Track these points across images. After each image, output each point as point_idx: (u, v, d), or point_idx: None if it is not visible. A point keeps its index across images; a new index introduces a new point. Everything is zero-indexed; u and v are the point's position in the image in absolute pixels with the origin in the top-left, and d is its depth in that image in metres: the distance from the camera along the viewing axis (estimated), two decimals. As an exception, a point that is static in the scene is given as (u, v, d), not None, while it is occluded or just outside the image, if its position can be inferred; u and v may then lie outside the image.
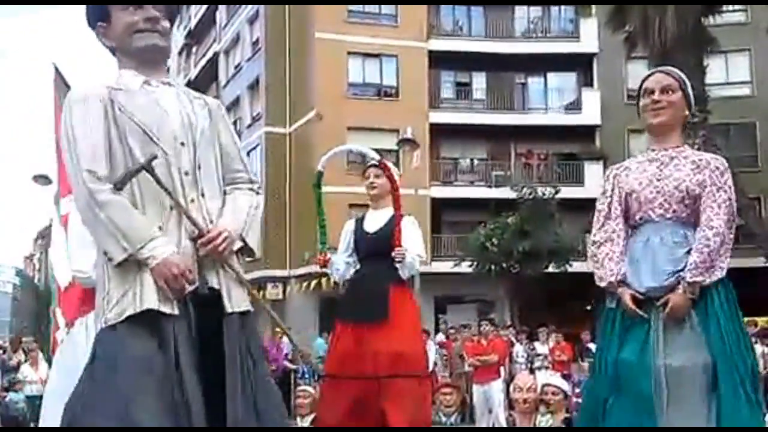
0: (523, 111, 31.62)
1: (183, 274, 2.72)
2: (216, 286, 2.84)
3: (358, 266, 5.38)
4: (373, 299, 5.13)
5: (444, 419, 7.69)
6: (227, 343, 2.78)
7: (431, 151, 29.74)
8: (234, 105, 36.13)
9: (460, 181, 31.31)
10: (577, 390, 11.49)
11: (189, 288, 2.76)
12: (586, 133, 30.88)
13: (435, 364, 14.02)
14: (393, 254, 5.08)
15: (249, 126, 33.94)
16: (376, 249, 5.20)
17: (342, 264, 5.42)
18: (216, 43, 38.96)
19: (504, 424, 11.08)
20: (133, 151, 2.80)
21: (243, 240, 2.95)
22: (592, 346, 17.73)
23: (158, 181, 2.77)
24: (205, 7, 39.39)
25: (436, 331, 21.39)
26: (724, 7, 24.66)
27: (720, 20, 23.83)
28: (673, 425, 3.24)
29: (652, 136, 3.67)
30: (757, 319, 15.69)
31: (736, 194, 3.61)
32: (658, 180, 3.51)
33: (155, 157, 2.77)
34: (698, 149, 4.33)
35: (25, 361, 13.43)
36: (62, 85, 5.22)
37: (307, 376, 17.06)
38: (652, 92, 3.59)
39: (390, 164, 5.55)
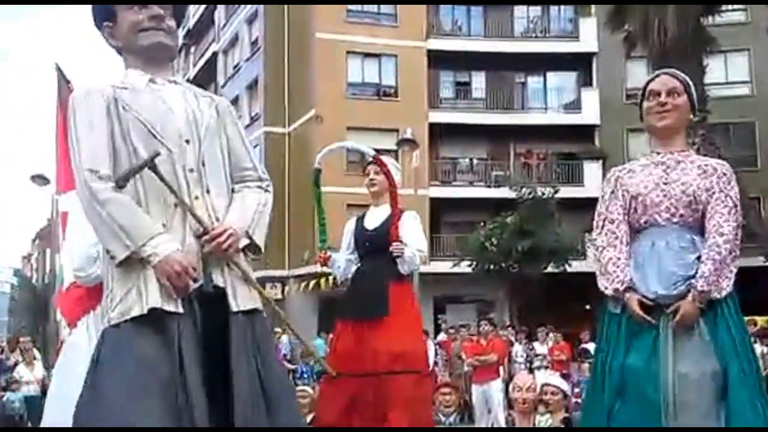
0: (523, 111, 31.62)
1: (186, 272, 2.69)
2: (221, 285, 2.81)
3: (360, 264, 5.35)
4: (372, 296, 5.10)
5: (443, 419, 7.66)
6: (233, 342, 2.74)
7: (430, 150, 29.74)
8: (233, 105, 35.94)
9: (459, 181, 31.31)
10: (576, 390, 11.47)
11: (193, 286, 2.72)
12: (585, 132, 30.89)
13: (435, 363, 14.01)
14: (391, 249, 5.04)
15: (248, 126, 33.90)
16: (376, 246, 5.16)
17: (343, 262, 5.39)
18: (215, 43, 38.98)
19: (503, 424, 11.05)
20: (138, 150, 2.78)
21: (249, 237, 2.92)
22: (591, 347, 17.77)
23: (161, 178, 2.75)
24: (203, 6, 39.41)
25: (436, 331, 21.37)
26: (724, 7, 24.64)
27: (719, 20, 23.82)
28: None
29: (656, 139, 3.61)
30: (756, 318, 15.66)
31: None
32: (665, 184, 3.46)
33: (158, 154, 2.74)
34: (697, 149, 4.30)
35: (22, 361, 13.41)
36: (64, 83, 5.20)
37: (306, 376, 17.07)
38: (658, 94, 3.53)
39: (389, 160, 5.54)
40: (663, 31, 20.93)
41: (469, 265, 25.37)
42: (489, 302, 27.48)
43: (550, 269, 24.81)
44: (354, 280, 5.34)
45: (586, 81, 31.92)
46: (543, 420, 6.14)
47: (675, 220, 3.42)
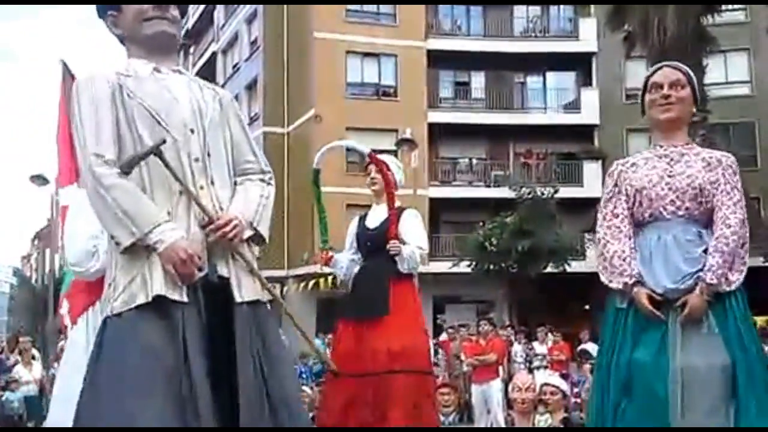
0: (522, 110, 31.60)
1: (192, 260, 2.67)
2: (225, 275, 2.79)
3: (362, 263, 5.33)
4: (372, 296, 5.09)
5: (442, 419, 7.66)
6: (237, 333, 2.72)
7: (430, 150, 29.73)
8: (232, 105, 36.13)
9: (458, 181, 31.30)
10: (576, 390, 11.46)
11: (198, 275, 2.70)
12: (584, 132, 30.88)
13: (435, 364, 13.98)
14: (388, 247, 5.02)
15: (247, 126, 33.91)
16: (377, 245, 5.15)
17: (346, 262, 5.37)
18: (214, 42, 38.96)
19: (502, 424, 11.04)
20: (142, 137, 2.76)
21: (254, 228, 2.91)
22: (589, 347, 17.76)
23: (167, 165, 2.73)
24: (202, 6, 39.38)
25: (435, 330, 21.34)
26: (724, 7, 24.64)
27: (719, 20, 23.82)
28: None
29: (659, 132, 3.57)
30: (756, 318, 15.66)
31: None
32: (670, 176, 3.41)
33: (164, 141, 2.73)
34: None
35: (20, 361, 13.39)
36: (69, 78, 5.19)
37: (305, 376, 17.04)
38: (661, 87, 3.49)
39: (390, 159, 5.53)
40: (663, 31, 20.94)
41: (469, 265, 25.36)
42: (488, 302, 27.48)
43: (549, 269, 24.81)
44: (355, 279, 5.32)
45: (585, 81, 31.91)
46: (542, 420, 6.13)
47: (680, 213, 3.37)
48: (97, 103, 2.76)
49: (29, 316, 47.46)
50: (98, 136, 2.73)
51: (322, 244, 5.56)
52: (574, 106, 31.56)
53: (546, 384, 6.34)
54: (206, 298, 2.73)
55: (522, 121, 30.78)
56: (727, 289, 3.26)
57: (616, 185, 3.55)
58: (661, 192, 3.40)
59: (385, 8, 30.93)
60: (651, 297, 3.31)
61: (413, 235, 5.16)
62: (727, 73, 29.16)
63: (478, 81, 32.08)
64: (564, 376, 11.27)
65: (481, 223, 25.33)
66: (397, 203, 5.32)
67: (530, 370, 14.25)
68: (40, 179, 23.27)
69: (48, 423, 4.49)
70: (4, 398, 12.66)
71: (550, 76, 32.30)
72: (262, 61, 32.85)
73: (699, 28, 21.79)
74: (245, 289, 2.80)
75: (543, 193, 25.11)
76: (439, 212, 29.17)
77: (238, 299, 2.77)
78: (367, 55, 30.25)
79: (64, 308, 4.87)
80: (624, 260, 3.39)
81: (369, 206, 5.47)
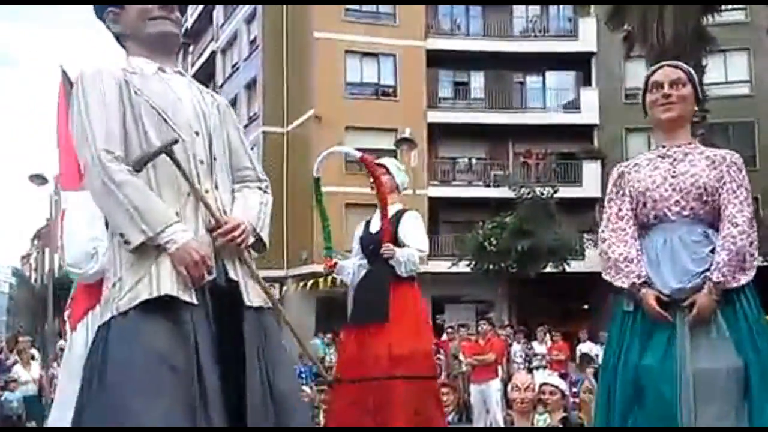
0: (522, 110, 31.58)
1: (203, 261, 2.63)
2: (234, 278, 2.77)
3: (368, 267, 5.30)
4: (372, 301, 5.07)
5: (441, 419, 7.64)
6: (246, 338, 2.69)
7: (429, 150, 29.72)
8: (231, 104, 35.47)
9: (458, 181, 31.29)
10: (575, 389, 11.45)
11: (208, 278, 2.67)
12: (584, 132, 30.87)
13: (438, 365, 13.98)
14: (381, 251, 5.01)
15: (246, 126, 33.87)
16: (378, 248, 5.11)
17: (354, 267, 5.34)
18: (213, 42, 38.94)
19: (501, 424, 11.04)
20: (149, 136, 2.71)
21: (256, 235, 2.89)
22: (587, 347, 17.77)
23: (178, 165, 2.68)
24: (201, 6, 39.36)
25: (435, 331, 21.32)
26: (723, 7, 24.61)
27: (719, 19, 23.77)
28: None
29: (661, 132, 3.51)
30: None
31: None
32: (673, 177, 3.36)
33: (176, 141, 2.69)
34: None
35: (19, 361, 13.37)
36: (69, 87, 5.18)
37: (304, 376, 17.04)
38: (661, 86, 3.43)
39: (391, 161, 5.52)
40: (662, 31, 20.90)
41: (468, 265, 25.37)
42: (487, 302, 27.48)
43: (548, 269, 24.82)
44: (358, 284, 5.30)
45: (585, 80, 31.89)
46: (541, 420, 6.12)
47: (685, 213, 3.32)
48: (105, 99, 2.69)
49: (29, 316, 47.46)
50: (108, 132, 2.66)
51: (326, 251, 5.53)
52: (573, 106, 31.55)
53: (545, 384, 6.33)
54: (214, 301, 2.69)
55: (521, 121, 30.76)
56: (736, 285, 3.20)
57: (619, 187, 3.50)
58: (665, 193, 3.35)
59: (384, 8, 30.91)
60: (658, 298, 3.25)
61: (412, 237, 5.12)
62: (726, 72, 29.15)
63: (477, 81, 32.06)
64: (563, 376, 11.27)
65: (480, 223, 25.32)
66: (399, 205, 5.31)
67: (529, 370, 14.25)
68: (39, 179, 23.28)
69: (50, 421, 4.48)
70: (3, 398, 12.63)
71: (550, 75, 32.28)
72: (262, 60, 32.84)
73: (699, 27, 21.74)
74: (252, 294, 2.78)
75: (542, 193, 25.12)
76: (438, 212, 29.16)
77: (247, 303, 2.75)
78: (366, 54, 30.24)
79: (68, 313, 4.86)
80: (631, 261, 3.34)
81: (367, 206, 5.44)
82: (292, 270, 29.71)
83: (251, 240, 2.86)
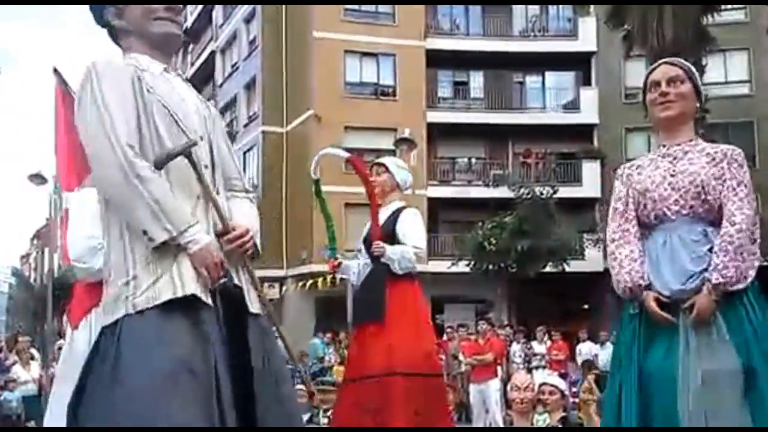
0: (521, 110, 31.58)
1: (222, 263, 2.63)
2: (238, 284, 2.76)
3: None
4: (369, 299, 5.08)
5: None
6: (252, 343, 2.68)
7: (429, 150, 29.71)
8: (231, 104, 36.11)
9: (457, 181, 31.28)
10: (574, 389, 11.46)
11: (221, 281, 2.66)
12: (584, 132, 30.86)
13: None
14: (371, 250, 5.02)
15: (246, 125, 33.90)
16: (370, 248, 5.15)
17: (360, 266, 5.34)
18: (212, 41, 38.92)
19: (501, 424, 11.05)
20: (161, 135, 2.67)
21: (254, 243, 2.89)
22: (587, 347, 17.77)
23: (195, 167, 2.66)
24: (201, 6, 39.34)
25: (435, 330, 21.29)
26: (723, 6, 24.62)
27: (719, 19, 23.78)
28: None
29: (662, 131, 3.47)
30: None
31: None
32: (672, 176, 3.32)
33: (195, 143, 2.67)
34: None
35: (18, 361, 13.37)
36: (64, 86, 5.17)
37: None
38: (659, 84, 3.40)
39: (393, 160, 5.54)
40: (662, 31, 20.90)
41: (468, 265, 25.37)
42: (487, 302, 27.48)
43: (548, 269, 24.82)
44: (360, 284, 5.31)
45: (584, 80, 31.88)
46: (541, 419, 6.12)
47: (685, 212, 3.28)
48: (123, 92, 2.64)
49: (28, 315, 47.43)
50: (129, 126, 2.61)
51: (330, 252, 5.52)
52: (573, 106, 31.53)
53: (544, 383, 6.33)
54: (223, 305, 2.69)
55: (521, 121, 30.76)
56: (739, 287, 3.14)
57: (624, 188, 3.46)
58: (664, 193, 3.31)
59: (383, 8, 30.89)
60: (659, 300, 3.23)
61: (409, 234, 5.11)
62: (726, 72, 29.14)
63: (476, 80, 32.06)
64: (563, 376, 11.27)
65: (480, 223, 25.30)
66: (400, 203, 5.32)
67: (529, 370, 14.26)
68: (38, 178, 23.20)
69: (48, 418, 4.46)
70: (2, 398, 12.64)
71: (549, 75, 32.26)
72: (261, 60, 32.82)
73: (698, 27, 21.75)
74: (253, 300, 2.78)
75: (542, 193, 25.10)
76: (437, 212, 29.15)
77: (251, 309, 2.75)
78: (365, 54, 30.22)
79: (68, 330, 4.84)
80: (634, 261, 3.31)
81: (367, 206, 5.44)
82: (291, 270, 29.69)
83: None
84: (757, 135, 29.32)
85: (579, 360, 17.10)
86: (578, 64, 31.46)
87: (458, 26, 32.39)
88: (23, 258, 76.41)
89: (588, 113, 30.86)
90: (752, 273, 3.19)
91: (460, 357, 14.87)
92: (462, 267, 25.58)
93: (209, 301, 2.60)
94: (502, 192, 26.41)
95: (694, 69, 3.49)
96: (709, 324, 3.14)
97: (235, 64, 36.20)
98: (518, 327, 19.04)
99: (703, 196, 3.26)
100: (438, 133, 30.11)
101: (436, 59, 30.37)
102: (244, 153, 32.96)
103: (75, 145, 4.83)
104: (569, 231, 25.04)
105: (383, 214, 5.28)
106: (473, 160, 31.86)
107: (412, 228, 5.16)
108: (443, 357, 16.26)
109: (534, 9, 32.17)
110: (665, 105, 3.39)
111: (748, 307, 3.16)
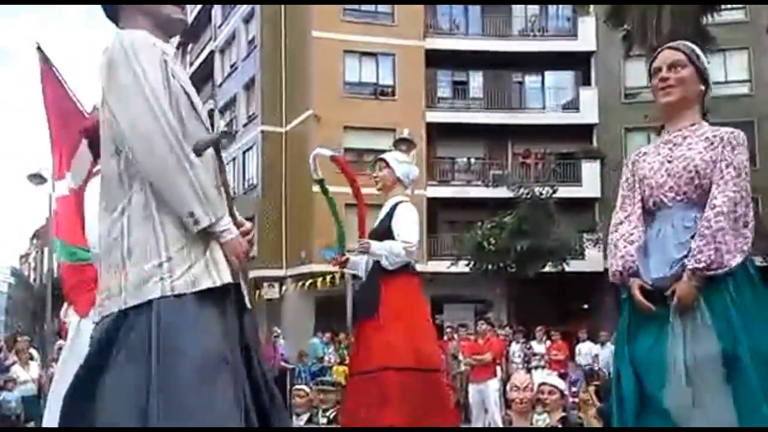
0: (521, 110, 31.58)
1: (247, 255, 2.66)
2: (238, 280, 2.78)
3: None
4: (364, 295, 5.14)
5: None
6: (250, 338, 2.72)
7: (428, 150, 29.67)
8: (230, 104, 36.11)
9: (457, 181, 31.29)
10: (574, 389, 11.45)
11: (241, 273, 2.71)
12: (583, 132, 30.86)
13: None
14: (356, 247, 5.05)
15: (245, 125, 33.87)
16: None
17: (363, 263, 5.32)
18: (211, 41, 38.92)
19: (500, 424, 11.04)
20: (184, 123, 2.62)
21: None
22: (586, 347, 17.78)
23: (220, 158, 2.68)
24: (200, 5, 39.32)
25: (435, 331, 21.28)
26: (723, 6, 24.62)
27: (719, 19, 23.79)
28: (693, 422, 3.02)
29: (665, 117, 3.44)
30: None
31: None
32: (669, 162, 3.30)
33: (229, 133, 2.66)
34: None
35: (18, 361, 13.36)
36: (47, 65, 5.15)
37: (303, 375, 17.07)
38: (660, 70, 3.37)
39: (393, 155, 5.54)
40: (661, 30, 20.90)
41: (467, 265, 25.37)
42: (487, 302, 27.47)
43: (547, 269, 24.82)
44: (360, 282, 5.36)
45: (584, 80, 31.89)
46: (540, 419, 6.12)
47: (679, 198, 3.24)
48: (163, 74, 2.60)
49: (27, 315, 47.44)
50: (170, 108, 2.56)
51: (340, 250, 5.50)
52: (572, 106, 31.53)
53: (544, 383, 6.33)
54: (235, 297, 2.72)
55: (520, 121, 30.76)
56: (720, 272, 3.06)
57: (630, 174, 3.45)
58: (660, 179, 3.30)
59: (382, 7, 30.89)
60: (642, 287, 3.21)
61: (401, 229, 5.07)
62: (726, 72, 29.13)
63: (476, 80, 32.06)
64: (562, 376, 11.28)
65: (479, 223, 25.31)
66: (399, 197, 5.31)
67: (528, 370, 14.25)
68: (38, 178, 23.15)
69: (46, 416, 4.44)
70: (1, 398, 12.63)
71: (549, 75, 32.27)
72: (260, 60, 32.81)
73: (698, 27, 21.74)
74: (247, 298, 2.80)
75: (541, 193, 25.09)
76: (437, 212, 29.16)
77: (248, 305, 2.77)
78: (364, 54, 30.22)
79: (63, 312, 4.80)
80: (630, 243, 3.29)
81: (368, 205, 5.45)
82: (291, 270, 29.67)
83: None
84: (757, 135, 29.31)
85: (579, 360, 17.13)
86: (578, 63, 31.47)
87: (457, 26, 32.39)
88: (22, 258, 76.41)
89: (587, 113, 30.85)
90: (738, 256, 3.10)
91: (460, 357, 14.87)
92: (461, 267, 25.58)
93: (235, 292, 2.65)
94: (502, 192, 26.39)
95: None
96: (693, 310, 3.09)
97: (234, 63, 36.19)
98: (518, 327, 19.02)
99: (696, 181, 3.22)
100: (437, 133, 30.10)
101: (435, 59, 30.37)
102: (244, 153, 32.97)
103: (59, 128, 4.80)
104: (569, 231, 25.03)
105: (383, 210, 5.30)
106: (472, 160, 31.87)
107: (404, 222, 5.12)
108: (443, 357, 16.30)
109: (533, 9, 32.18)
110: (666, 90, 3.37)
111: (733, 293, 3.09)
